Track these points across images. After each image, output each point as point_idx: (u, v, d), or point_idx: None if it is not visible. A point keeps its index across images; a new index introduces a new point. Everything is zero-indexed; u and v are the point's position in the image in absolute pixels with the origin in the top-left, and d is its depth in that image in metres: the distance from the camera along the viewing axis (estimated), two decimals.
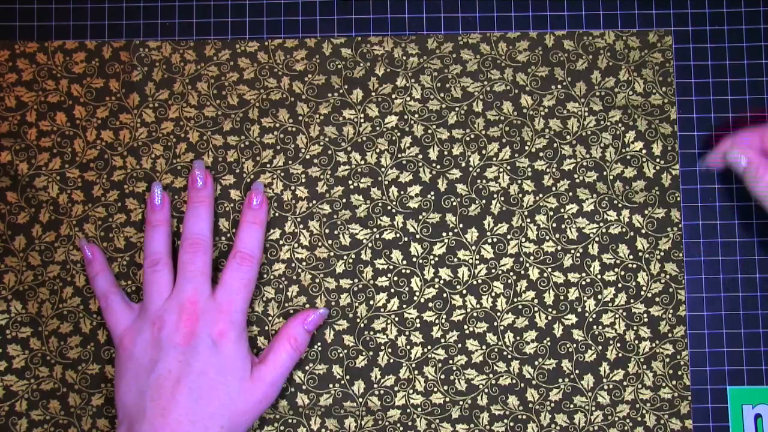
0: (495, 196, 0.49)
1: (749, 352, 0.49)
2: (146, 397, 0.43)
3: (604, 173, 0.49)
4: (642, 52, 0.49)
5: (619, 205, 0.49)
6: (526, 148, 0.49)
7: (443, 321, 0.48)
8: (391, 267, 0.48)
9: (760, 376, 0.49)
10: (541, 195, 0.49)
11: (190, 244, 0.46)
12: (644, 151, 0.49)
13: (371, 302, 0.48)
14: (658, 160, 0.49)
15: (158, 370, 0.43)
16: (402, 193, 0.49)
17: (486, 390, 0.48)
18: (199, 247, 0.46)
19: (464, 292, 0.48)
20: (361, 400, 0.48)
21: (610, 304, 0.48)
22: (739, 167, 0.46)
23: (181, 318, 0.44)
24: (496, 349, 0.48)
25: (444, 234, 0.48)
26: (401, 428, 0.48)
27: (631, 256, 0.48)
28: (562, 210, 0.49)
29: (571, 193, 0.49)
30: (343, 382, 0.48)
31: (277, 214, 0.49)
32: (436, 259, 0.48)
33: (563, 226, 0.49)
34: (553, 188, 0.49)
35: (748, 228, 0.49)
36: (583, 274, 0.48)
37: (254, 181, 0.49)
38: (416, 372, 0.48)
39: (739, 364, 0.49)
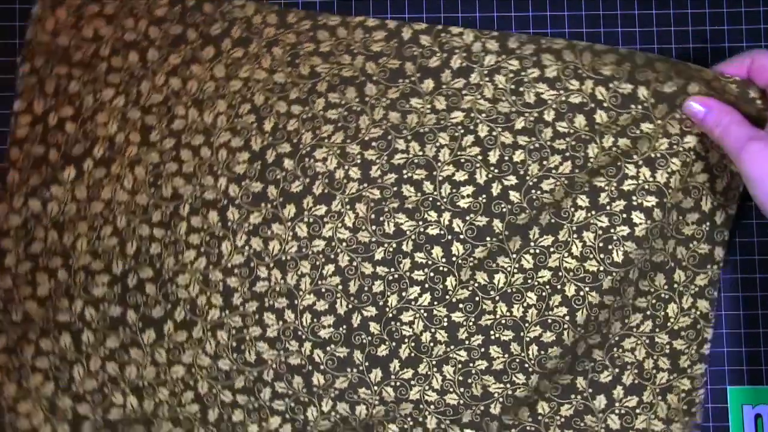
0: (546, 207, 0.48)
1: (749, 352, 0.49)
2: None
3: (664, 200, 0.47)
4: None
5: (668, 234, 0.48)
6: (589, 164, 0.48)
7: (471, 324, 0.48)
8: (430, 262, 0.48)
9: (760, 376, 0.49)
10: (593, 212, 0.47)
11: None
12: (707, 185, 0.48)
13: (403, 294, 0.48)
14: (718, 195, 0.48)
15: None
16: (454, 191, 0.48)
17: (501, 399, 0.48)
18: None
19: (497, 298, 0.48)
20: (376, 388, 0.48)
21: (634, 330, 0.48)
22: (696, 118, 0.45)
23: None
24: (517, 360, 0.48)
25: (488, 238, 0.48)
26: (411, 423, 0.48)
27: (665, 287, 0.48)
28: (612, 231, 0.47)
29: (625, 215, 0.47)
30: (361, 368, 0.48)
31: (326, 191, 0.48)
32: (476, 261, 0.48)
33: (610, 247, 0.47)
34: (608, 207, 0.47)
35: (749, 228, 0.49)
36: (617, 298, 0.48)
37: (310, 153, 0.48)
38: (435, 369, 0.48)
39: (739, 364, 0.49)
